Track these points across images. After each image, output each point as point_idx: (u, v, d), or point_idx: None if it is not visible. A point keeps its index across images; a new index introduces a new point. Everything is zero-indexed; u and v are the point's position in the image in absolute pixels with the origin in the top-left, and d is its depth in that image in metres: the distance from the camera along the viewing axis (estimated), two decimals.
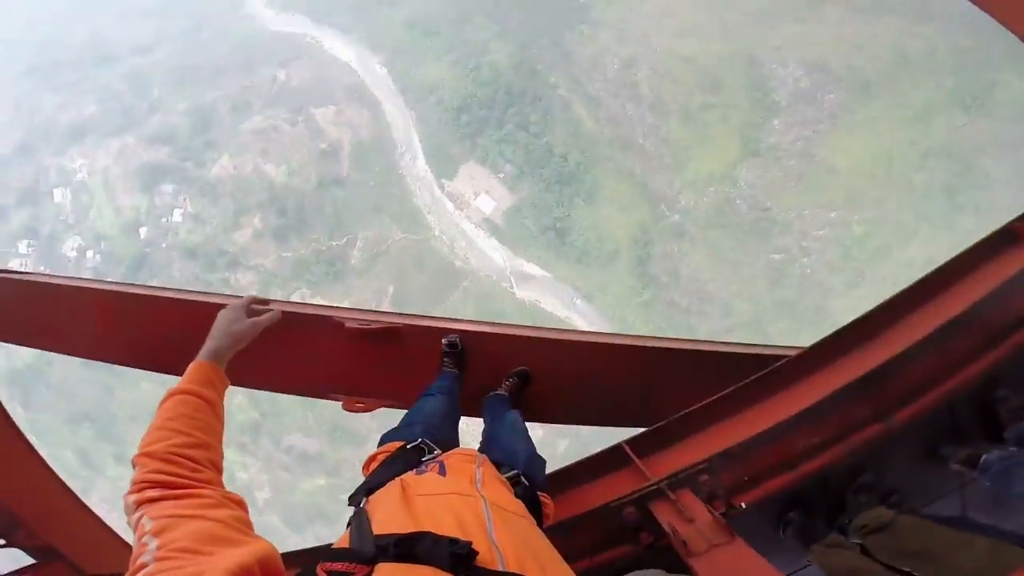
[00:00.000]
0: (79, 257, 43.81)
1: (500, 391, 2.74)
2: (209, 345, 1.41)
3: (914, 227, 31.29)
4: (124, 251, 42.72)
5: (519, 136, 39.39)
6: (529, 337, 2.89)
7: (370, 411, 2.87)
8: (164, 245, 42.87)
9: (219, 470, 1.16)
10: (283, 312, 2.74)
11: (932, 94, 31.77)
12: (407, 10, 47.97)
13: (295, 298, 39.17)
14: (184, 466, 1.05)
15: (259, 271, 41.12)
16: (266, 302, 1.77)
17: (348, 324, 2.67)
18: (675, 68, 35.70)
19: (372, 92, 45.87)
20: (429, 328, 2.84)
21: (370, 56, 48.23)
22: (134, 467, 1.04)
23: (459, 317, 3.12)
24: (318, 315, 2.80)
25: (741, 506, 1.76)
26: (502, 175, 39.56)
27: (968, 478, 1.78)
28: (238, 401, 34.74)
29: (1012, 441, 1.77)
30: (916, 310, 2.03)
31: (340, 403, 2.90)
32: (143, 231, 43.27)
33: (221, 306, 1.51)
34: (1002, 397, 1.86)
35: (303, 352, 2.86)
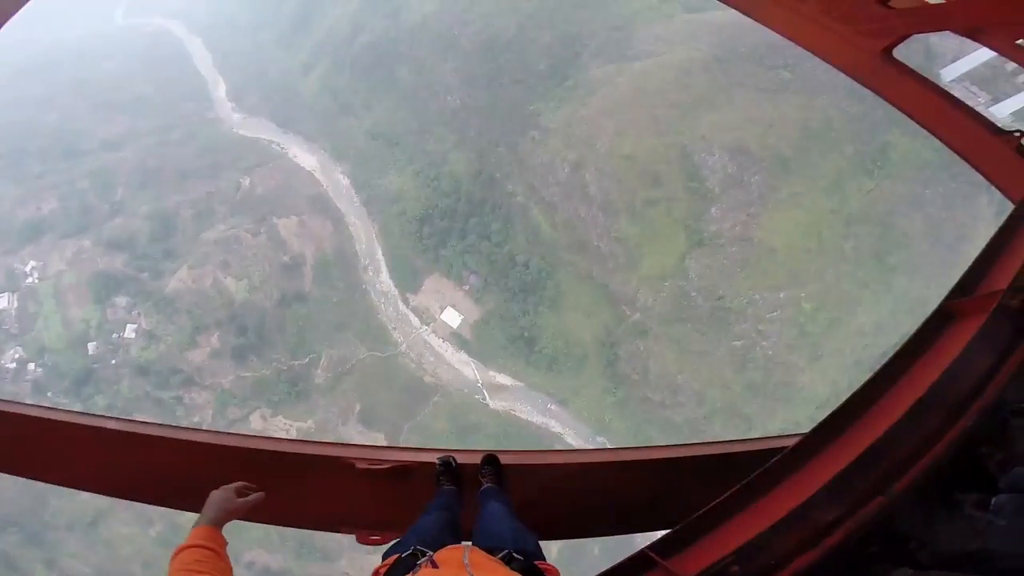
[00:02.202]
0: (19, 369, 40.56)
1: (485, 486, 2.81)
2: (209, 515, 1.82)
3: (856, 295, 33.12)
4: (69, 366, 40.18)
5: (482, 246, 40.20)
6: (533, 464, 2.99)
7: (385, 543, 2.78)
8: (113, 361, 40.53)
9: None
10: (294, 453, 2.82)
11: (838, 162, 34.55)
12: (370, 120, 49.76)
13: (255, 418, 37.79)
14: None
15: (216, 390, 39.30)
16: (253, 489, 2.05)
17: (359, 465, 2.75)
18: (618, 167, 37.47)
19: (335, 203, 46.47)
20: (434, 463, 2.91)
21: (333, 165, 49.42)
22: None
23: (468, 448, 3.19)
24: (327, 455, 2.90)
25: None
26: (467, 287, 39.92)
27: (985, 522, 1.87)
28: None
29: (1007, 487, 1.90)
30: (886, 394, 2.18)
31: (354, 536, 2.98)
32: (92, 346, 40.79)
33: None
34: (986, 454, 2.02)
35: (315, 490, 2.96)
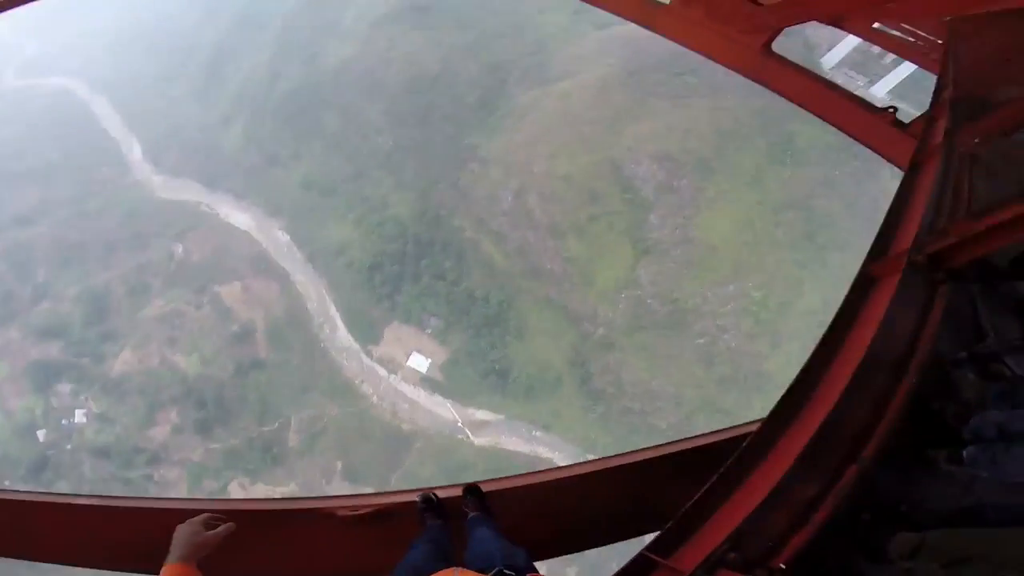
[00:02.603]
0: None
1: (470, 515, 2.80)
2: (177, 552, 1.77)
3: (798, 276, 34.64)
4: (21, 454, 37.83)
5: (438, 287, 39.89)
6: (514, 487, 2.98)
7: None
8: (68, 446, 38.34)
9: None
10: (272, 510, 2.78)
11: (754, 156, 36.55)
12: (300, 170, 48.77)
13: (233, 487, 36.33)
14: None
15: (186, 465, 37.52)
16: (221, 520, 2.00)
17: (339, 512, 2.74)
18: (557, 188, 38.38)
19: (278, 262, 45.13)
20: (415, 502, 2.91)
21: (269, 221, 47.88)
22: None
23: (445, 484, 3.18)
24: (306, 508, 2.86)
25: (782, 567, 1.77)
26: (429, 331, 39.43)
27: (968, 476, 1.87)
28: None
29: (972, 438, 1.93)
30: (830, 366, 2.23)
31: None
32: (41, 433, 38.60)
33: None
34: (940, 408, 2.08)
35: (298, 545, 2.92)
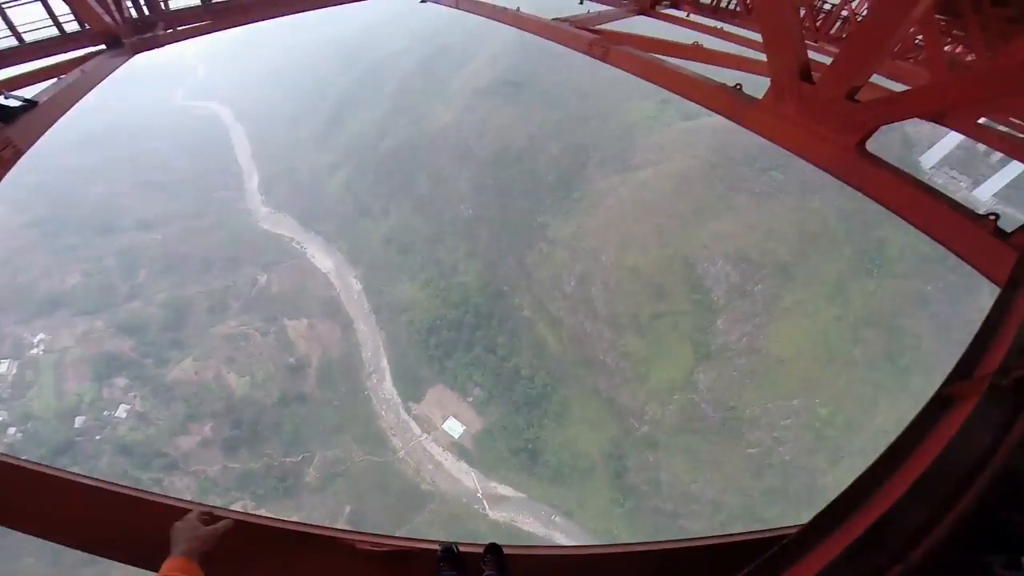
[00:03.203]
0: None
1: (487, 573, 2.70)
2: (179, 548, 1.77)
3: (872, 397, 32.23)
4: (51, 435, 39.07)
5: (487, 359, 40.25)
6: (536, 555, 2.90)
7: None
8: (98, 437, 39.39)
9: None
10: (293, 531, 2.75)
11: (838, 264, 34.94)
12: (387, 224, 52.17)
13: (236, 508, 35.98)
14: None
15: (199, 477, 37.76)
16: (220, 515, 2.02)
17: (359, 546, 2.72)
18: (623, 280, 38.05)
19: (346, 308, 47.32)
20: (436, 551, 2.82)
21: (348, 269, 51.00)
22: None
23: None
24: (325, 535, 2.79)
25: None
26: (471, 399, 39.45)
27: None
28: None
29: None
30: (892, 475, 2.13)
31: None
32: (79, 420, 39.91)
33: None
34: (1006, 518, 1.92)
35: (314, 571, 2.85)
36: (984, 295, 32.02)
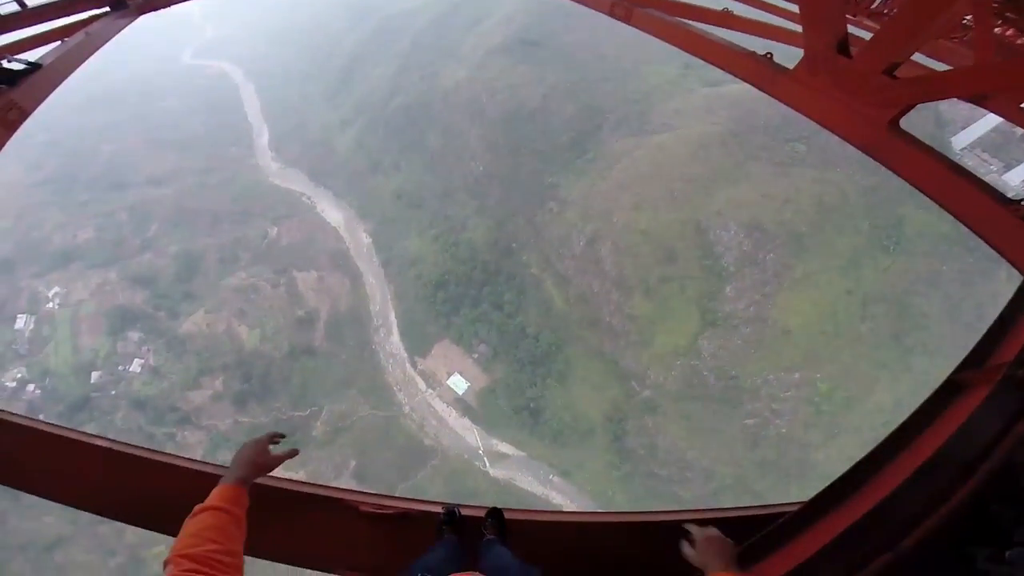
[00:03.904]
0: (17, 389, 40.39)
1: (487, 537, 2.81)
2: (236, 472, 1.73)
3: (874, 375, 32.24)
4: (69, 391, 39.98)
5: (493, 316, 40.36)
6: (536, 521, 2.99)
7: None
8: (114, 392, 40.33)
9: (241, 572, 1.44)
10: (297, 491, 2.85)
11: (854, 239, 34.41)
12: (398, 181, 51.81)
13: None
14: (217, 568, 1.35)
15: (210, 432, 38.74)
16: (282, 436, 2.00)
17: (362, 508, 2.81)
18: (634, 242, 37.66)
19: (355, 261, 47.54)
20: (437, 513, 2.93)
21: (358, 223, 51.04)
22: (166, 566, 1.32)
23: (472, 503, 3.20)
24: (329, 496, 2.90)
25: None
26: (476, 356, 39.78)
27: (1003, 573, 1.82)
28: None
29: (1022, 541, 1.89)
30: (893, 459, 2.19)
31: None
32: (96, 375, 40.78)
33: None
34: (998, 512, 2.01)
35: (315, 529, 2.96)
36: (1000, 279, 31.48)
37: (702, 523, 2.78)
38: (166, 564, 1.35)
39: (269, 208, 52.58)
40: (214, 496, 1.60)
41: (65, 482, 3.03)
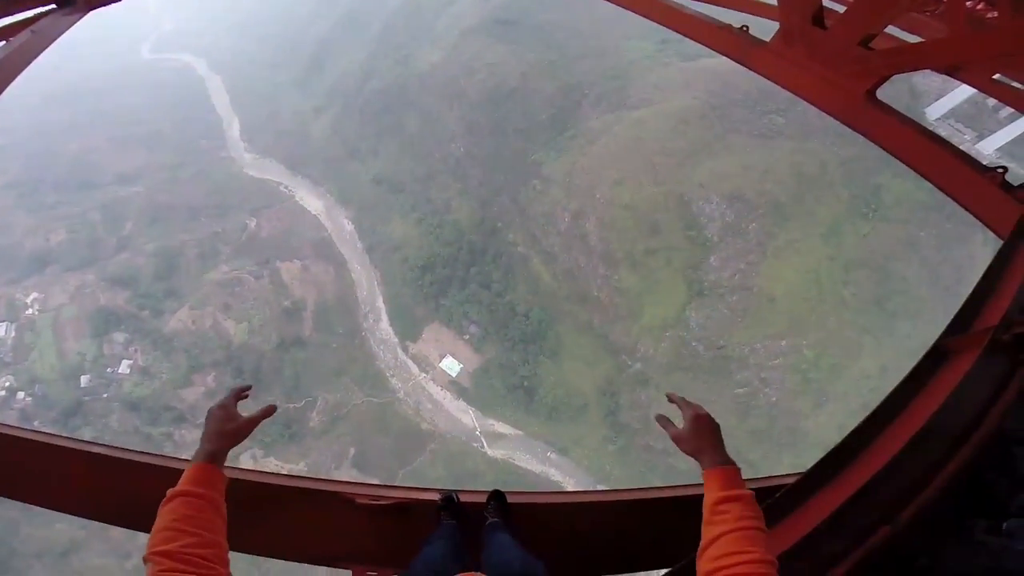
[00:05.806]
0: (7, 398, 39.53)
1: (490, 520, 2.76)
2: (206, 448, 1.54)
3: (858, 340, 32.87)
4: (59, 397, 39.29)
5: (482, 295, 40.38)
6: (538, 503, 2.99)
7: None
8: (105, 395, 39.76)
9: (225, 563, 1.29)
10: (291, 487, 2.78)
11: (834, 207, 34.93)
12: (377, 165, 51.12)
13: (244, 458, 36.91)
14: (198, 565, 1.21)
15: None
16: (248, 388, 1.86)
17: (359, 500, 2.75)
18: (618, 216, 37.79)
19: (339, 248, 47.00)
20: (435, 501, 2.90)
21: (339, 210, 50.38)
22: (146, 563, 1.20)
23: (469, 488, 3.18)
24: (325, 490, 2.84)
25: None
26: (467, 337, 39.89)
27: (999, 546, 1.82)
28: None
29: (1018, 512, 1.89)
30: (885, 430, 2.17)
31: (350, 572, 2.98)
32: (84, 379, 40.12)
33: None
34: (992, 481, 2.01)
35: (312, 524, 2.91)
36: (976, 243, 32.19)
37: (702, 498, 2.93)
38: (145, 561, 1.22)
39: (246, 200, 51.64)
40: (185, 479, 1.44)
41: (62, 490, 2.94)
